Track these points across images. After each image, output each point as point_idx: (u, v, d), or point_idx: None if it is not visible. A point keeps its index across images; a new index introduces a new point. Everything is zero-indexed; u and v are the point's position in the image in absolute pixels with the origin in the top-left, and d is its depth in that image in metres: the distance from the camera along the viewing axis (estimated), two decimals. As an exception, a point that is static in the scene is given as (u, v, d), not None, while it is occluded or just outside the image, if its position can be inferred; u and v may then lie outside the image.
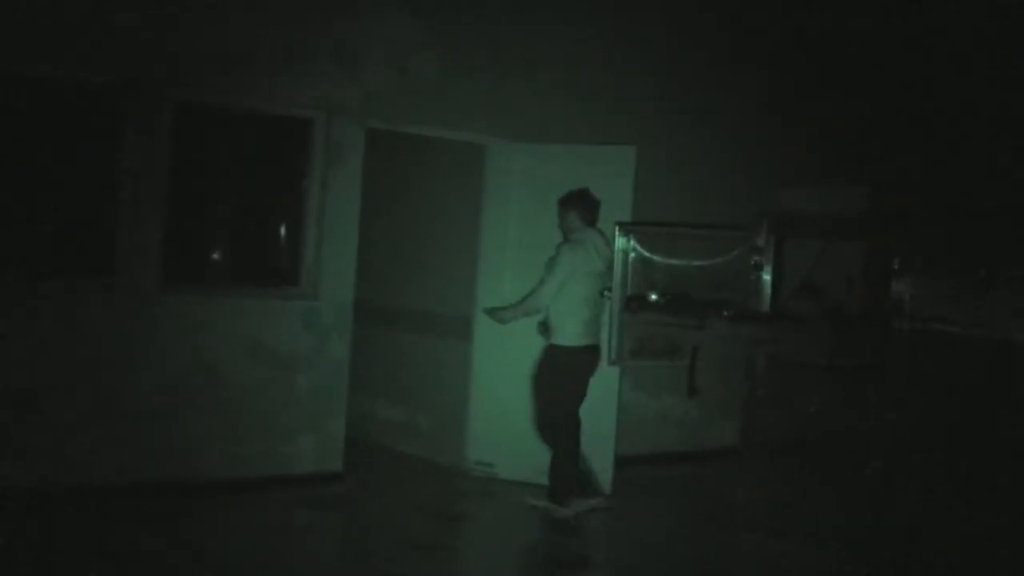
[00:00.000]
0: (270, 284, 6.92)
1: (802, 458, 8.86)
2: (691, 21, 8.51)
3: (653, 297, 6.98)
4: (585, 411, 7.19)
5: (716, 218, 8.03)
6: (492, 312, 6.85)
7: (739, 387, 8.87)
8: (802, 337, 8.78)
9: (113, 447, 6.23)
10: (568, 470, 6.66)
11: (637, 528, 6.85)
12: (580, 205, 6.77)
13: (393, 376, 8.11)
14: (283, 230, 7.06)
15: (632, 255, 6.88)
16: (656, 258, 6.93)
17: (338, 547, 6.18)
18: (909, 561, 6.38)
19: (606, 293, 6.94)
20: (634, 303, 6.93)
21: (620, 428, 7.28)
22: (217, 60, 6.48)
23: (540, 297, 6.63)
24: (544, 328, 6.80)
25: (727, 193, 8.58)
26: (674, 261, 7.00)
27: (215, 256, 7.09)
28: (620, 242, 6.87)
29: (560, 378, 6.71)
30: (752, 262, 6.95)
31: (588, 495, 6.71)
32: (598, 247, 6.74)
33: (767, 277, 6.98)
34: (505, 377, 7.45)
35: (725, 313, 7.05)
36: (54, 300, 6.09)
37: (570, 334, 6.66)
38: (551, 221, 7.35)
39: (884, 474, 8.62)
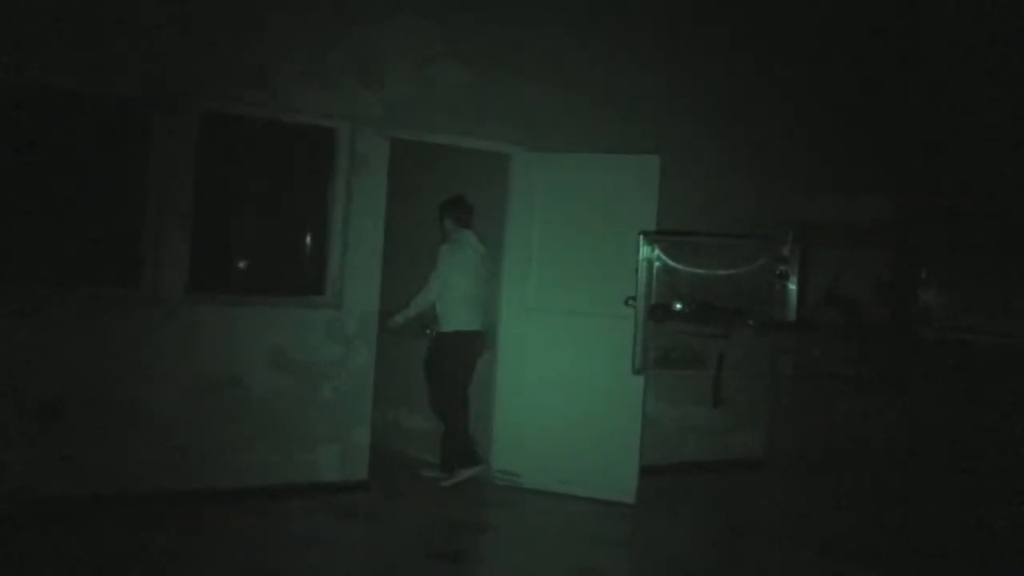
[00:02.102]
0: (295, 293, 6.94)
1: (827, 468, 8.81)
2: (714, 30, 8.50)
3: (677, 306, 6.98)
4: (608, 420, 7.19)
5: (740, 227, 8.01)
6: (386, 322, 7.28)
7: (764, 397, 8.84)
8: (827, 347, 8.74)
9: (138, 455, 6.26)
10: (456, 444, 7.40)
11: (661, 538, 6.81)
12: (453, 211, 7.55)
13: (416, 385, 8.10)
14: (308, 239, 7.08)
15: (656, 264, 6.88)
16: (680, 267, 6.92)
17: (362, 556, 6.17)
18: (932, 573, 6.32)
19: (630, 302, 6.94)
20: (658, 312, 6.93)
21: (644, 438, 7.25)
22: (242, 71, 6.53)
23: (429, 294, 7.36)
24: (427, 327, 7.50)
25: (751, 202, 8.54)
26: (698, 270, 6.99)
27: (240, 265, 7.12)
28: (644, 251, 6.87)
29: (449, 361, 7.41)
30: (777, 271, 6.94)
31: (469, 465, 7.41)
32: (472, 245, 7.50)
33: (792, 286, 6.96)
34: (529, 387, 7.45)
35: (750, 322, 7.03)
36: (81, 309, 6.13)
37: (454, 321, 7.37)
38: (576, 230, 7.37)
39: (908, 485, 8.56)
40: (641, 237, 6.90)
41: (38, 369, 5.98)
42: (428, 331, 7.49)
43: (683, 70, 8.36)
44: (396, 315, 7.39)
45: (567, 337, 7.37)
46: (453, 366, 7.42)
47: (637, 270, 6.90)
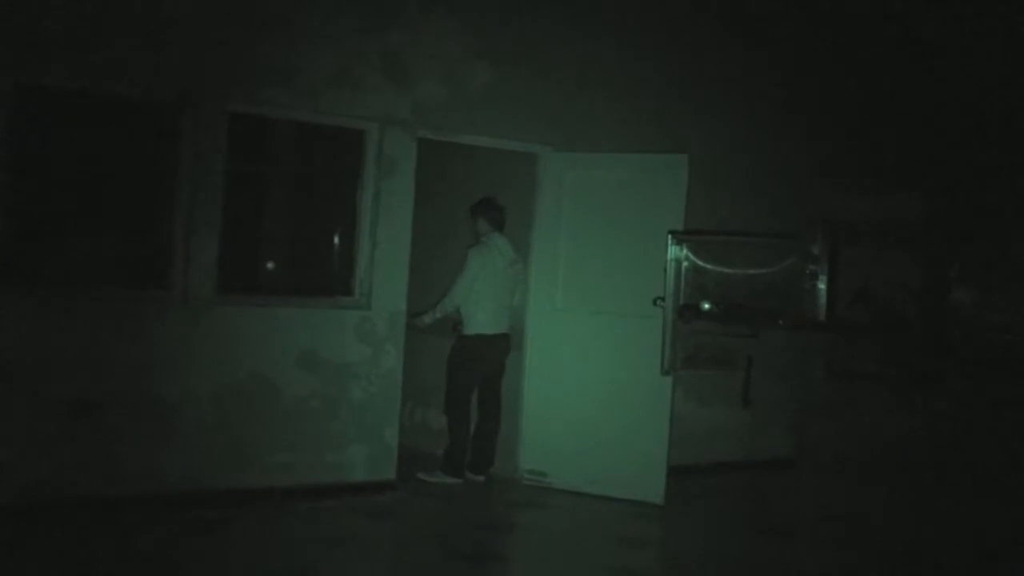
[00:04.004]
0: (324, 294, 6.96)
1: (858, 469, 8.75)
2: (741, 29, 8.46)
3: (706, 306, 6.95)
4: (636, 420, 7.17)
5: (770, 226, 7.97)
6: (412, 319, 7.29)
7: (794, 397, 8.79)
8: (858, 346, 8.68)
9: (168, 455, 6.30)
10: (452, 448, 7.43)
11: (690, 539, 6.79)
12: (488, 212, 7.51)
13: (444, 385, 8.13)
14: (336, 240, 7.11)
15: (685, 264, 6.85)
16: (709, 267, 6.89)
17: (390, 556, 6.19)
18: (962, 573, 6.26)
19: (659, 302, 6.92)
20: (687, 312, 6.91)
21: (673, 438, 7.22)
22: (270, 73, 6.54)
23: (455, 296, 7.36)
24: (454, 326, 7.49)
25: (780, 201, 8.49)
26: (727, 270, 6.96)
27: (269, 266, 7.15)
28: (673, 251, 6.85)
29: (465, 366, 7.43)
30: (807, 271, 6.90)
31: (451, 473, 7.43)
32: (501, 249, 7.47)
33: (822, 285, 6.93)
34: (557, 387, 7.44)
35: (780, 322, 7.00)
36: (111, 310, 6.17)
37: (478, 324, 7.39)
38: (604, 229, 7.36)
39: (939, 485, 8.49)
40: (670, 236, 6.87)
41: (68, 369, 6.02)
42: (455, 329, 7.49)
43: (711, 70, 8.32)
44: (423, 315, 7.42)
45: (595, 337, 7.36)
46: (468, 373, 7.45)
47: (665, 270, 6.87)
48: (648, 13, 8.00)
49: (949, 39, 9.25)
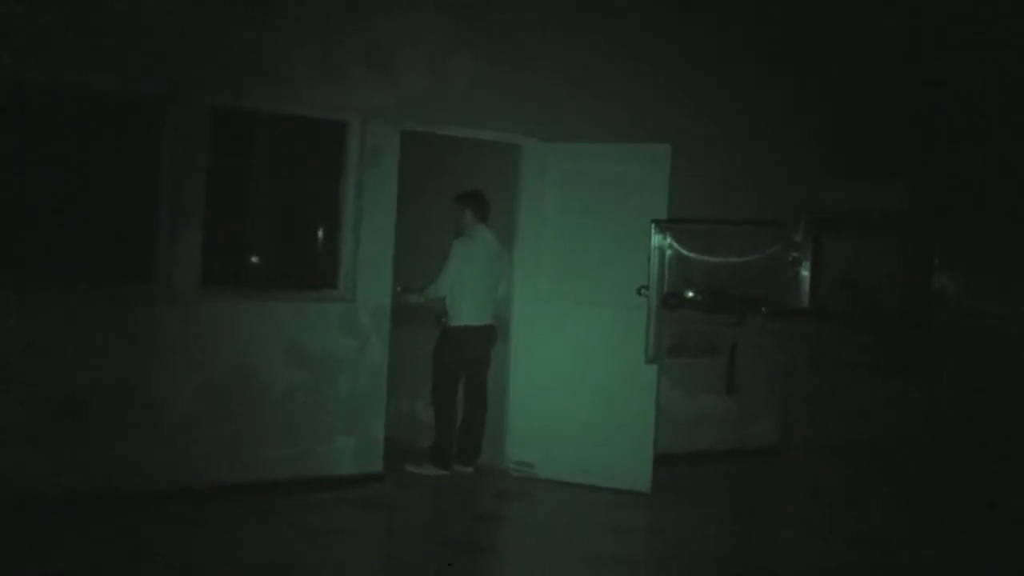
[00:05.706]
0: (308, 287, 6.96)
1: (842, 455, 8.80)
2: (725, 19, 8.47)
3: (690, 294, 6.97)
4: (622, 409, 7.19)
5: (753, 215, 7.99)
6: (401, 292, 7.42)
7: (778, 384, 8.82)
8: (842, 333, 8.72)
9: (155, 451, 6.28)
10: (439, 439, 7.46)
11: (676, 526, 6.81)
12: (474, 204, 7.51)
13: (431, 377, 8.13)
14: (320, 233, 7.10)
15: (669, 252, 6.87)
16: (693, 255, 6.91)
17: (377, 547, 6.19)
18: (949, 561, 6.29)
19: (643, 291, 6.93)
20: (671, 300, 6.93)
21: (659, 426, 7.25)
22: (253, 65, 6.53)
23: (439, 286, 7.39)
24: (439, 318, 7.51)
25: (764, 190, 8.51)
26: (711, 258, 6.98)
27: (253, 260, 7.14)
28: (656, 240, 6.86)
29: (452, 358, 7.46)
30: (790, 258, 6.93)
31: (439, 465, 7.43)
32: (486, 240, 7.49)
33: (805, 273, 6.96)
34: (543, 377, 7.45)
35: (763, 310, 7.03)
36: (96, 307, 6.15)
37: (464, 315, 7.41)
38: (588, 220, 7.37)
39: (923, 470, 8.55)
40: (653, 225, 6.89)
41: (53, 365, 6.00)
42: (442, 320, 7.51)
43: (694, 59, 8.32)
44: (412, 292, 7.46)
45: (580, 327, 7.37)
46: (454, 364, 7.47)
47: (649, 259, 6.89)
48: (633, 5, 8.00)
49: (937, 30, 9.28)
